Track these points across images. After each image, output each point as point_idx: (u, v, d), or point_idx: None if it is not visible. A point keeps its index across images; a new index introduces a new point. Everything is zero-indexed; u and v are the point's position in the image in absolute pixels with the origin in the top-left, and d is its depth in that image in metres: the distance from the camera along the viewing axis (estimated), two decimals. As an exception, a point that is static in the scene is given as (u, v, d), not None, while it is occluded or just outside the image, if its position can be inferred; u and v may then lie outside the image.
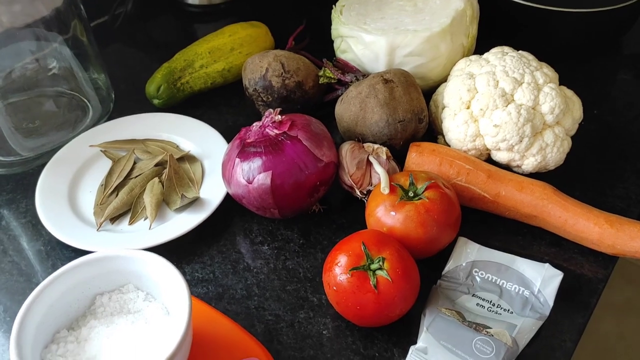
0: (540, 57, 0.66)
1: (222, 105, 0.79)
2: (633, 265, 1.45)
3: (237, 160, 0.59)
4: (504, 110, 0.61)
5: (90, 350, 0.46)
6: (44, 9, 0.69)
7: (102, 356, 0.45)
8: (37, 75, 0.74)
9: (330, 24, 0.78)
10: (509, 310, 0.53)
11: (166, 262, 0.48)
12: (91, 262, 0.48)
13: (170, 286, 0.48)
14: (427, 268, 0.56)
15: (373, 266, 0.51)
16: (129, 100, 0.80)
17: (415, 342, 0.51)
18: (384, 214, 0.56)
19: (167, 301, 0.49)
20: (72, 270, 0.48)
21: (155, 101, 0.77)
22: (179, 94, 0.77)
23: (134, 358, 0.45)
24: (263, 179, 0.57)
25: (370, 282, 0.50)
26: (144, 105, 0.78)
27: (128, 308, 0.49)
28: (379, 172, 0.59)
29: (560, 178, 0.64)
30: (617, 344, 1.36)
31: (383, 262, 0.51)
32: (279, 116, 0.60)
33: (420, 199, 0.55)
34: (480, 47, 0.74)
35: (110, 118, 0.77)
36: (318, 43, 0.81)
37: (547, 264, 0.55)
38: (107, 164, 0.70)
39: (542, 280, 0.54)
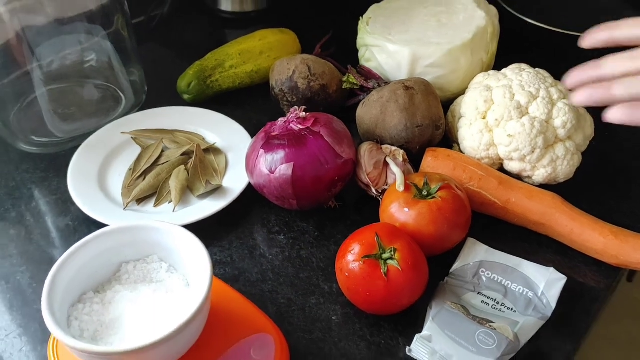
0: (556, 77, 0.69)
1: (248, 104, 0.83)
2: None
3: (262, 151, 0.62)
4: (518, 121, 0.63)
5: (114, 311, 0.49)
6: (90, 3, 0.74)
7: (125, 318, 0.48)
8: (77, 66, 0.78)
9: (354, 36, 0.81)
10: (512, 309, 0.55)
11: (193, 236, 0.50)
12: (121, 230, 0.52)
13: (193, 260, 0.50)
14: (435, 265, 0.58)
15: (385, 255, 0.53)
16: (160, 95, 0.84)
17: (420, 332, 0.53)
18: (398, 210, 0.58)
19: (189, 274, 0.52)
20: (102, 237, 0.51)
21: (186, 96, 0.81)
22: (208, 91, 0.81)
23: (154, 322, 0.48)
24: (285, 169, 0.60)
25: (381, 270, 0.52)
26: (174, 100, 0.82)
27: (151, 277, 0.52)
28: (395, 172, 0.62)
29: (569, 191, 0.65)
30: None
31: (394, 253, 0.53)
32: (304, 113, 0.64)
33: (434, 197, 0.58)
34: (498, 65, 0.77)
35: (142, 109, 0.80)
36: (343, 53, 0.85)
37: (552, 267, 0.57)
38: (136, 150, 0.73)
39: (546, 283, 0.56)
